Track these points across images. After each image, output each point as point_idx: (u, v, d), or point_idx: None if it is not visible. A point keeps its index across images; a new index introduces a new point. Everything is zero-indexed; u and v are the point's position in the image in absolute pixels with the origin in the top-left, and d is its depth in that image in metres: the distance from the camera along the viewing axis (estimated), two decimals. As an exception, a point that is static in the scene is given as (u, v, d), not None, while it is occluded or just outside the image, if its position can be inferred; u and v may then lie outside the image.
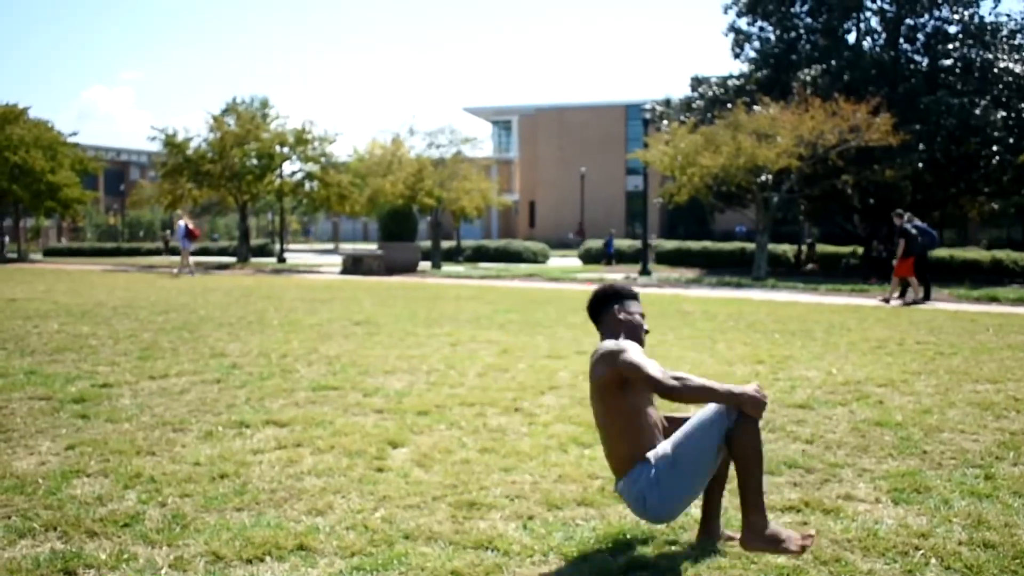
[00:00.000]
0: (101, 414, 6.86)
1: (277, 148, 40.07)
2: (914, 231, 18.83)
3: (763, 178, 28.03)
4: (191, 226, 30.96)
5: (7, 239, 51.07)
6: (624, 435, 4.02)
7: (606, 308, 4.30)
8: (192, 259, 30.21)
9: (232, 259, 42.11)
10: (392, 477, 5.21)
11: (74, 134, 48.13)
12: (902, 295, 18.97)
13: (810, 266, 32.71)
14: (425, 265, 34.09)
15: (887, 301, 18.45)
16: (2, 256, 45.99)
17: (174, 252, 29.88)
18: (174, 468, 5.39)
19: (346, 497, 4.85)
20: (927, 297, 18.77)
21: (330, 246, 70.86)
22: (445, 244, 39.36)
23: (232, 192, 40.49)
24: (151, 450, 5.82)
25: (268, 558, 4.03)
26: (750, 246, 32.52)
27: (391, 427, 6.44)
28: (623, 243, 41.32)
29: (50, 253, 55.83)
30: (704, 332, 12.40)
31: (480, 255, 41.62)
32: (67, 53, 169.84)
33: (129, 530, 4.36)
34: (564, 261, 41.43)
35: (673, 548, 4.16)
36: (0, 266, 36.94)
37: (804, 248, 34.29)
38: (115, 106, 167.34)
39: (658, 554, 4.07)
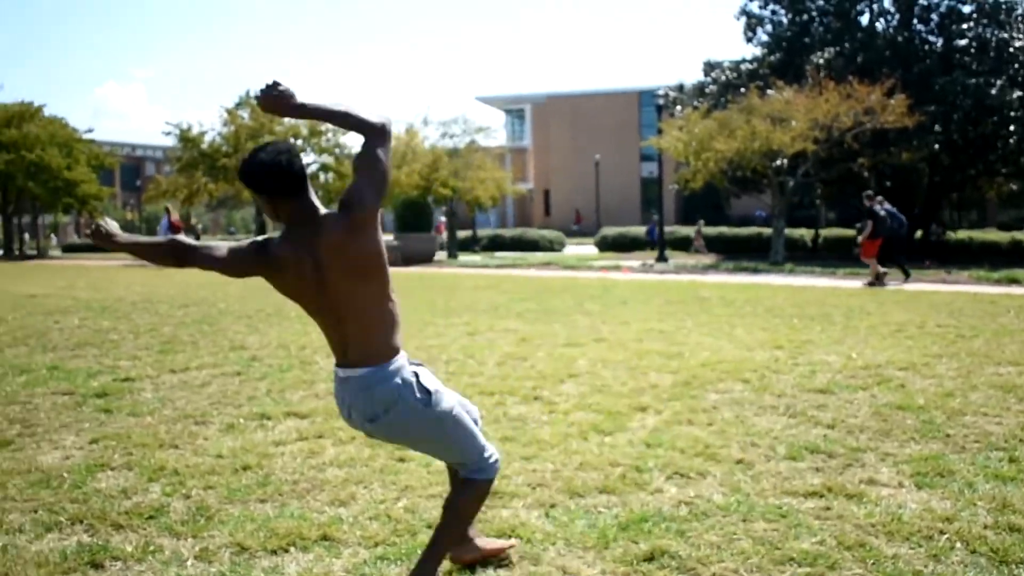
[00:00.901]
0: (124, 408, 6.90)
1: (291, 140, 40.11)
2: (883, 213, 18.90)
3: (779, 162, 27.90)
4: (174, 219, 31.44)
5: (26, 236, 51.36)
6: (393, 315, 3.49)
7: (306, 183, 3.35)
8: None
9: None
10: (413, 467, 5.22)
11: (90, 131, 48.24)
12: (880, 277, 19.04)
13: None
14: (441, 255, 34.09)
15: (875, 283, 18.60)
16: (21, 253, 46.24)
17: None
18: (197, 460, 5.42)
19: (368, 487, 4.87)
20: (906, 278, 19.09)
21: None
22: (461, 234, 39.33)
23: (246, 185, 40.54)
24: (174, 443, 5.85)
25: (292, 548, 4.06)
26: (767, 231, 32.38)
27: (411, 417, 6.44)
28: (640, 230, 41.18)
29: (68, 249, 56.00)
30: (722, 318, 12.37)
31: (496, 244, 41.55)
32: (80, 51, 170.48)
33: (154, 522, 4.40)
34: (580, 249, 41.33)
35: (696, 535, 4.15)
36: (19, 263, 37.16)
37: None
38: (129, 102, 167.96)
39: (681, 540, 4.07)
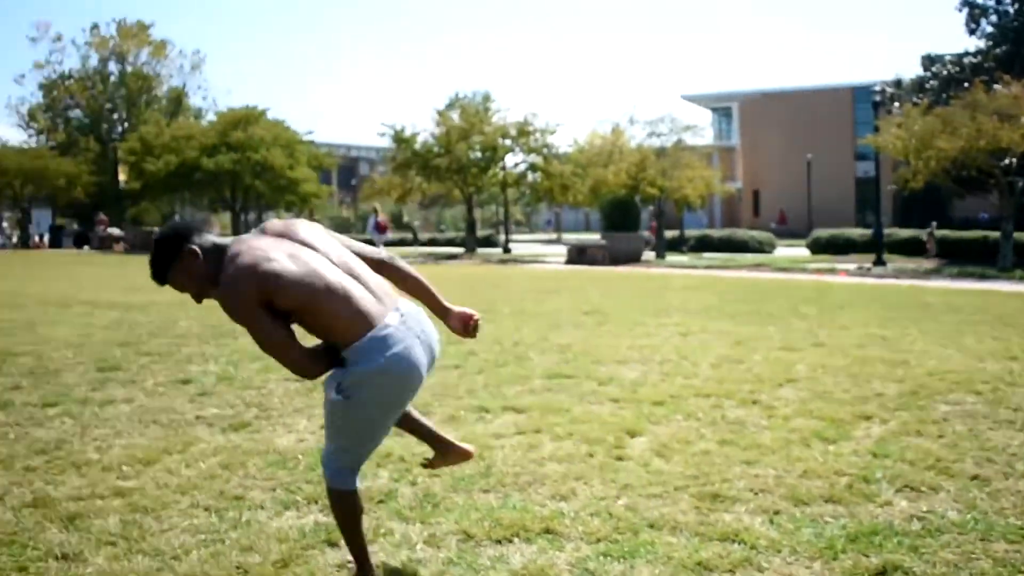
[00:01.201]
0: (350, 396, 7.19)
1: (500, 140, 40.84)
2: None
3: (1007, 161, 26.33)
4: (380, 219, 33.97)
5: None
6: None
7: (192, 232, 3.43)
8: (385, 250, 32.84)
9: (459, 250, 43.34)
10: (632, 466, 5.23)
11: (309, 132, 50.87)
12: None
13: None
14: (648, 255, 33.96)
15: None
16: (248, 247, 49.04)
17: (415, 242, 32.40)
18: (422, 449, 5.55)
19: (588, 484, 4.90)
20: None
21: (552, 236, 71.66)
22: (668, 234, 38.99)
23: (458, 184, 41.61)
24: (399, 431, 6.04)
25: (516, 539, 4.13)
26: (993, 234, 30.59)
27: (628, 416, 6.46)
28: (854, 232, 39.69)
29: (290, 244, 58.99)
30: (948, 325, 11.77)
31: (704, 245, 41.02)
32: (299, 55, 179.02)
33: (384, 506, 4.58)
34: (790, 251, 40.24)
35: (930, 551, 3.97)
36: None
37: None
38: (344, 104, 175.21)
39: (914, 556, 3.90)
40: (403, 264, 3.77)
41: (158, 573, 3.83)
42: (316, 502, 4.64)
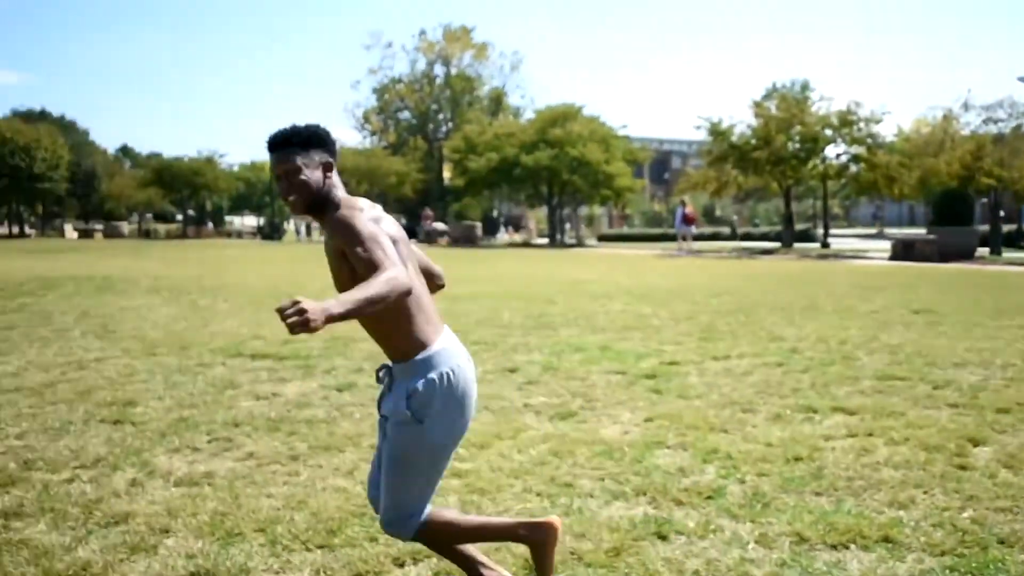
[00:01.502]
0: (672, 390, 7.23)
1: (821, 131, 39.41)
2: None
3: None
4: (688, 211, 35.49)
5: (567, 226, 55.88)
6: None
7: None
8: (695, 243, 34.45)
9: (774, 244, 42.28)
10: (977, 476, 4.91)
11: (623, 126, 51.40)
12: None
13: None
14: (982, 251, 31.62)
15: None
16: (562, 242, 50.32)
17: (732, 236, 32.96)
18: (748, 447, 5.53)
19: (928, 492, 4.65)
20: None
21: (873, 230, 68.37)
22: (1004, 228, 36.09)
23: (776, 177, 40.56)
24: (724, 428, 6.02)
25: (853, 546, 3.99)
26: None
27: (969, 423, 6.06)
28: None
29: (602, 239, 59.99)
30: None
31: (1047, 240, 37.64)
32: (611, 51, 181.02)
33: (713, 503, 4.56)
34: None
35: None
36: (562, 250, 40.34)
37: None
38: (655, 97, 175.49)
39: None
40: (442, 284, 3.80)
41: (496, 552, 4.01)
42: (644, 494, 4.70)
